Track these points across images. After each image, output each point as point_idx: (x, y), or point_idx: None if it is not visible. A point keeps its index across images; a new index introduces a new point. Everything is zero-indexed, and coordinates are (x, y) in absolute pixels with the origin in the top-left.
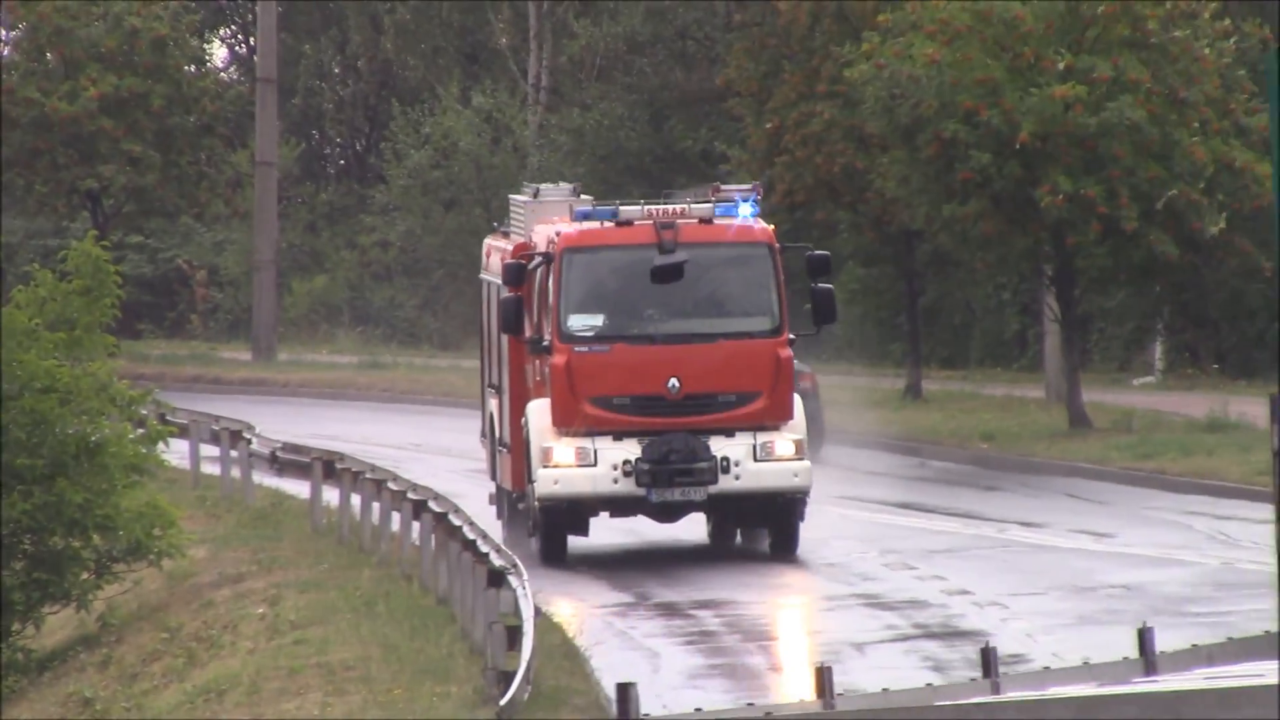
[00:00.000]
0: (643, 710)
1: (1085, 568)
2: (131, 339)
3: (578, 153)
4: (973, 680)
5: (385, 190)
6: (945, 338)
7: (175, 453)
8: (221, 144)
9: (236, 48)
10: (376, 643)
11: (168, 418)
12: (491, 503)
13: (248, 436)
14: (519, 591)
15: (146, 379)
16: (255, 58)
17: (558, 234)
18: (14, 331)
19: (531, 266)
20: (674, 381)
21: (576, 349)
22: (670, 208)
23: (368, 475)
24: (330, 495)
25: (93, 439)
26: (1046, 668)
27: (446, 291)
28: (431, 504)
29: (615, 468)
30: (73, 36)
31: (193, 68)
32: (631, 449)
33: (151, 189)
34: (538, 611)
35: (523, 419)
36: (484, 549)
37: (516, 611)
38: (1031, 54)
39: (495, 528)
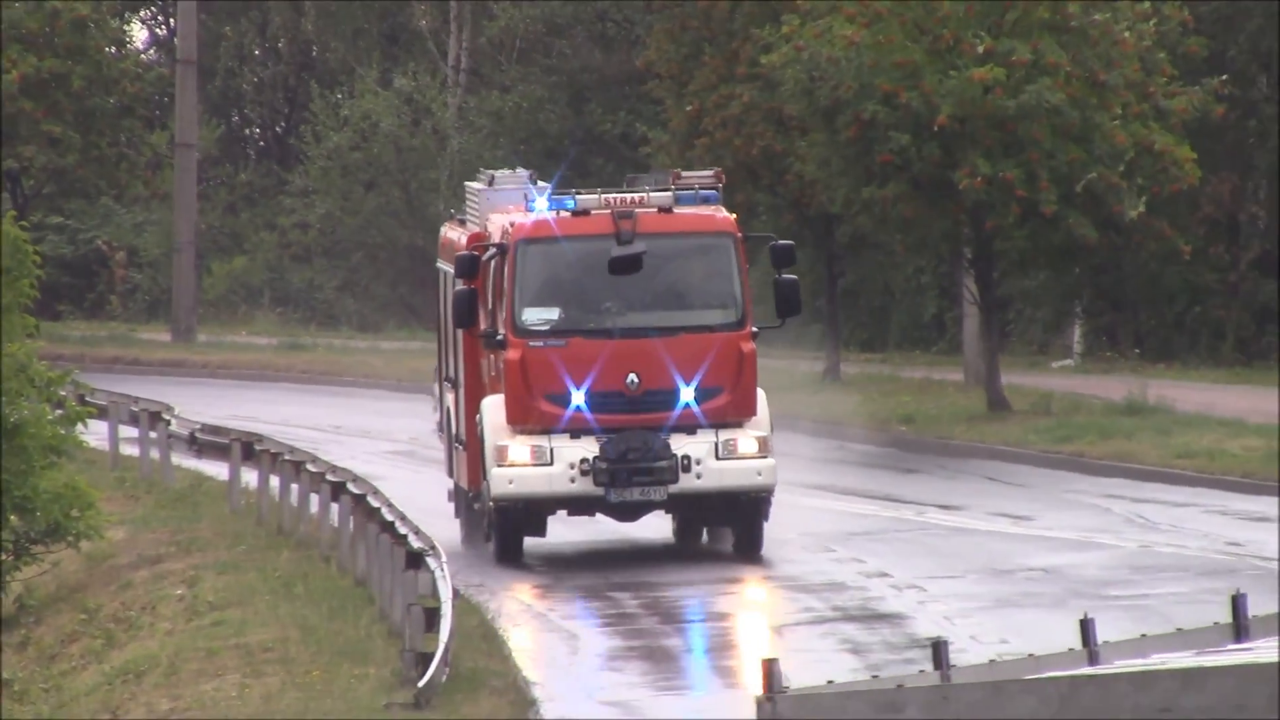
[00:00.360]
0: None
1: (1003, 550)
2: (51, 320)
3: (497, 135)
4: (1071, 651)
5: (304, 172)
6: (864, 320)
7: (94, 434)
8: (141, 125)
9: (157, 29)
10: (295, 624)
11: (87, 399)
12: (450, 499)
13: (167, 418)
14: (437, 573)
15: (66, 360)
16: (175, 39)
17: (512, 224)
18: None
19: (485, 258)
20: (633, 377)
21: (531, 343)
22: (629, 196)
23: (286, 457)
24: (249, 477)
25: (11, 420)
26: (1144, 635)
27: (366, 273)
28: (350, 485)
29: (572, 466)
30: None
31: (113, 49)
32: (589, 447)
33: (71, 170)
34: (456, 593)
35: (477, 415)
36: (402, 530)
37: (435, 593)
38: (951, 36)
39: (454, 526)
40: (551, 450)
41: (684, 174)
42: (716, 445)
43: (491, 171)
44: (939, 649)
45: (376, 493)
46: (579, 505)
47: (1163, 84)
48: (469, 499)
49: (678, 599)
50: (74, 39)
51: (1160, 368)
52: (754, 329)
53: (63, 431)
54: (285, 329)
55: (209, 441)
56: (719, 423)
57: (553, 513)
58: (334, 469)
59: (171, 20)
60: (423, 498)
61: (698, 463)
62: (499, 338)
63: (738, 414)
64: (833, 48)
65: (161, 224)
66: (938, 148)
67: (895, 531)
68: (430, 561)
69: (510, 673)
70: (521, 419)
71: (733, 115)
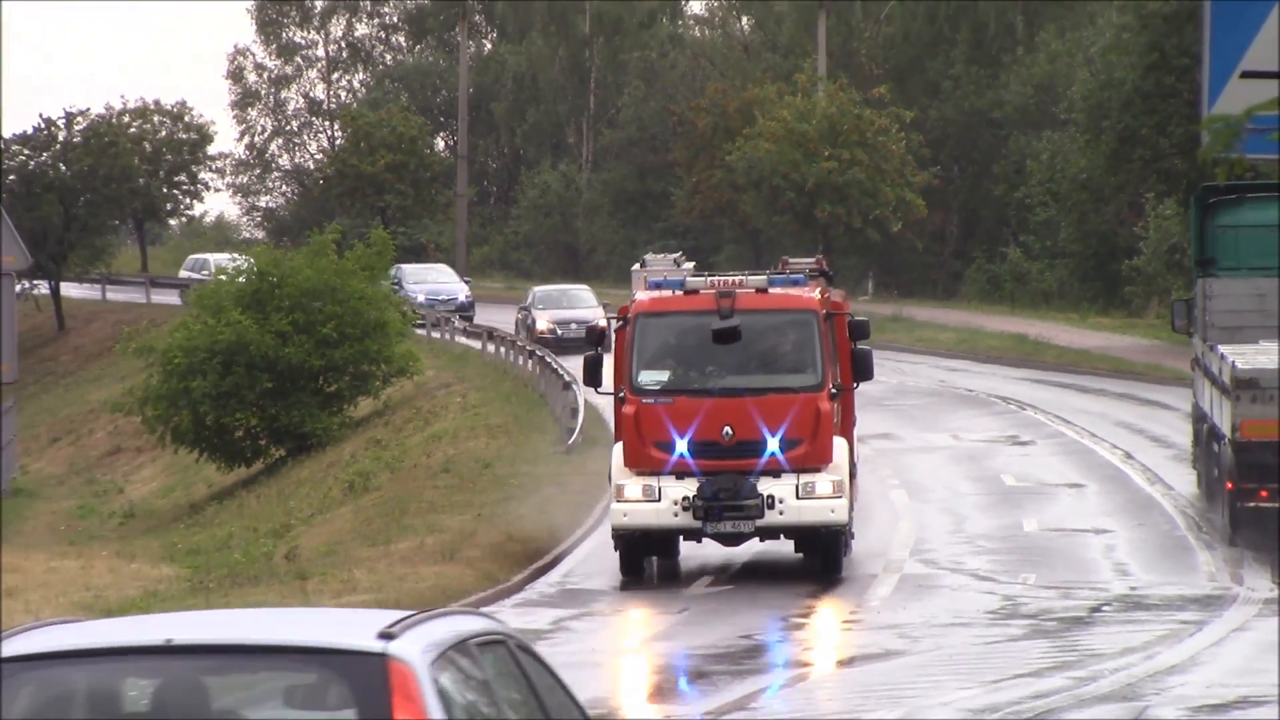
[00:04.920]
0: None
1: None
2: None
3: (604, 198)
4: None
5: (520, 207)
6: None
7: (420, 328)
8: (440, 186)
9: (447, 139)
10: (511, 415)
11: (414, 310)
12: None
13: (454, 322)
14: (576, 391)
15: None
16: (455, 142)
17: (633, 301)
18: (347, 271)
19: (615, 329)
20: (728, 429)
21: (645, 400)
22: (731, 279)
23: (507, 337)
24: (490, 347)
25: (381, 319)
26: None
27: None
28: (538, 353)
29: (675, 503)
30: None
31: (428, 150)
32: (690, 487)
33: (409, 206)
34: (585, 403)
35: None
36: (561, 372)
37: (575, 401)
38: (812, 147)
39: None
40: (660, 489)
41: (791, 260)
42: (797, 487)
43: (646, 254)
44: None
45: (548, 356)
46: (683, 535)
47: (910, 169)
48: None
49: None
50: (407, 143)
51: (894, 294)
52: (832, 390)
53: (404, 324)
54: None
55: (472, 331)
56: (800, 468)
57: (671, 540)
58: (529, 346)
59: (454, 134)
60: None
61: (780, 501)
62: (620, 395)
63: (816, 461)
64: (759, 151)
65: (445, 232)
66: (807, 199)
67: None
68: (574, 387)
69: (610, 438)
70: (636, 463)
71: (716, 186)
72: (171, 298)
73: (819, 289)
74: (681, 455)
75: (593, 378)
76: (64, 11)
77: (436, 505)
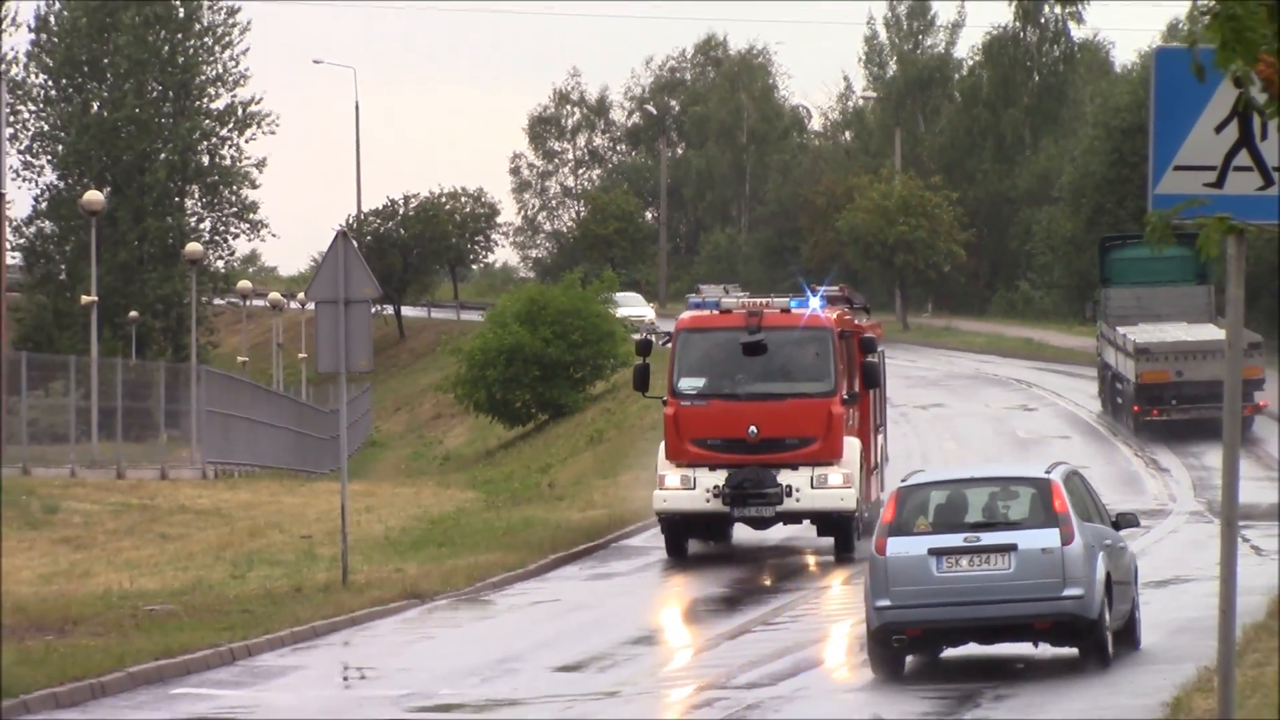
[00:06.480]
0: None
1: None
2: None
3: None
4: None
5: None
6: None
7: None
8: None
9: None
10: None
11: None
12: None
13: (657, 328)
14: None
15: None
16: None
17: (678, 319)
18: (589, 297)
19: (661, 343)
20: (753, 428)
21: (683, 403)
22: (759, 300)
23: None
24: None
25: (608, 330)
26: None
27: None
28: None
29: (708, 491)
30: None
31: (640, 219)
32: (720, 478)
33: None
34: None
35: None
36: None
37: None
38: (892, 217)
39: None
40: (695, 479)
41: (818, 287)
42: (812, 478)
43: (700, 284)
44: None
45: None
46: (714, 519)
47: (955, 231)
48: None
49: None
50: (627, 215)
51: (946, 313)
52: (845, 397)
53: (625, 334)
54: None
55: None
56: (815, 462)
57: (705, 524)
58: None
59: (658, 209)
60: None
61: (797, 490)
62: (664, 399)
63: (828, 456)
64: (857, 220)
65: (651, 273)
66: (889, 251)
67: None
68: None
69: None
70: (676, 456)
71: (830, 243)
72: (474, 316)
73: (837, 311)
74: (714, 450)
75: (640, 384)
76: (400, 124)
77: (648, 451)
